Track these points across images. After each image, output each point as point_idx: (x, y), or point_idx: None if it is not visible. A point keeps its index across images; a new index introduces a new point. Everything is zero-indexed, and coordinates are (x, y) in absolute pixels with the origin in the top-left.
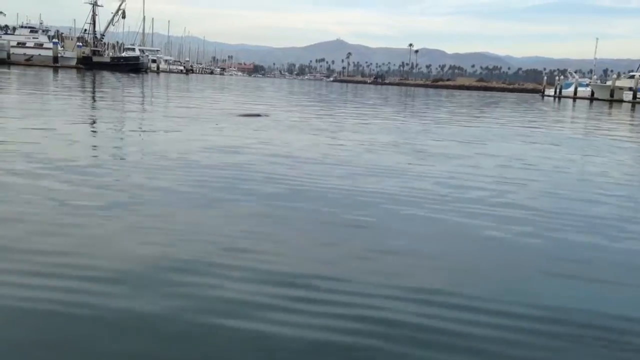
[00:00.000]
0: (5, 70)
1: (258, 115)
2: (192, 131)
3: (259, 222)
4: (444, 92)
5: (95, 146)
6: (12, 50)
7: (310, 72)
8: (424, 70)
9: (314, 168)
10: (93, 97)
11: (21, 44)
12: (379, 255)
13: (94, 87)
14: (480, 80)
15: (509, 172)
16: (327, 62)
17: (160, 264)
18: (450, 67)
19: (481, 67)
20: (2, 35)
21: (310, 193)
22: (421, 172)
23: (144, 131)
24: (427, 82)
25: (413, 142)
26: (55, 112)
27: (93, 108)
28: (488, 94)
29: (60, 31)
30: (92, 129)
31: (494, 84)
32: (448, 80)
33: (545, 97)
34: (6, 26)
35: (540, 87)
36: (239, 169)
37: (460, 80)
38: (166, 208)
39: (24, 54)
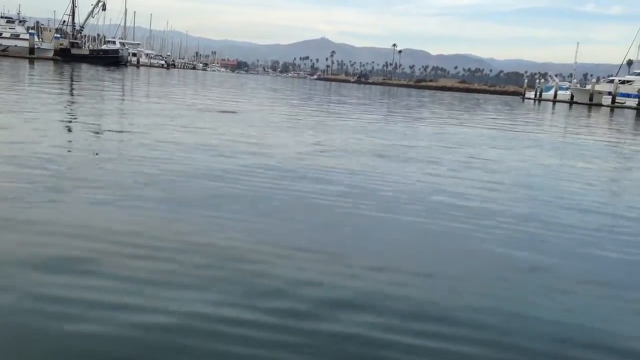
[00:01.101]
0: None
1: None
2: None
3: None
4: (426, 92)
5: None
6: None
7: (294, 70)
8: (408, 70)
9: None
10: (60, 90)
11: None
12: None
13: (61, 80)
14: (463, 81)
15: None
16: (311, 60)
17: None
18: (434, 68)
19: (464, 69)
20: None
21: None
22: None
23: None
24: (410, 83)
25: (391, 144)
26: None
27: (54, 102)
28: (469, 95)
29: (41, 23)
30: (44, 125)
31: (476, 86)
32: (430, 81)
33: (526, 100)
34: None
35: (521, 90)
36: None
37: (442, 82)
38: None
39: (0, 45)
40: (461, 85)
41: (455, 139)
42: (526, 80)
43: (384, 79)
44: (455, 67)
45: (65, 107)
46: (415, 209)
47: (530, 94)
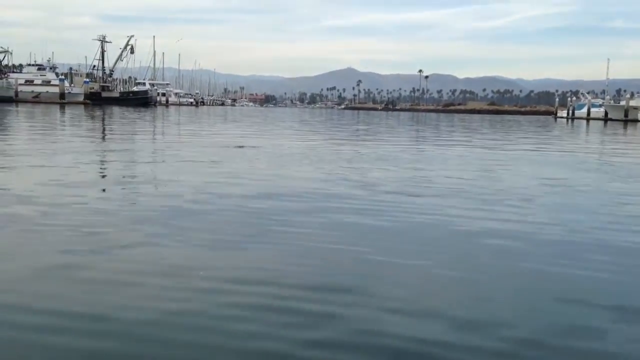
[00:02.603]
0: (11, 108)
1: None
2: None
3: None
4: (456, 116)
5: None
6: (20, 88)
7: (321, 101)
8: (435, 95)
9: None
10: (91, 133)
11: (29, 82)
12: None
13: (90, 122)
14: (492, 103)
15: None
16: (338, 90)
17: None
18: (462, 92)
19: (492, 91)
20: (10, 74)
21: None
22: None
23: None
24: (438, 107)
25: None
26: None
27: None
28: (500, 117)
29: (74, 69)
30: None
31: (506, 107)
32: (459, 104)
33: (558, 119)
34: (14, 65)
35: (553, 109)
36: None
37: (471, 105)
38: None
39: (32, 92)
40: (491, 108)
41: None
42: (557, 99)
43: (412, 105)
44: (484, 90)
45: (92, 151)
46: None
47: (563, 113)
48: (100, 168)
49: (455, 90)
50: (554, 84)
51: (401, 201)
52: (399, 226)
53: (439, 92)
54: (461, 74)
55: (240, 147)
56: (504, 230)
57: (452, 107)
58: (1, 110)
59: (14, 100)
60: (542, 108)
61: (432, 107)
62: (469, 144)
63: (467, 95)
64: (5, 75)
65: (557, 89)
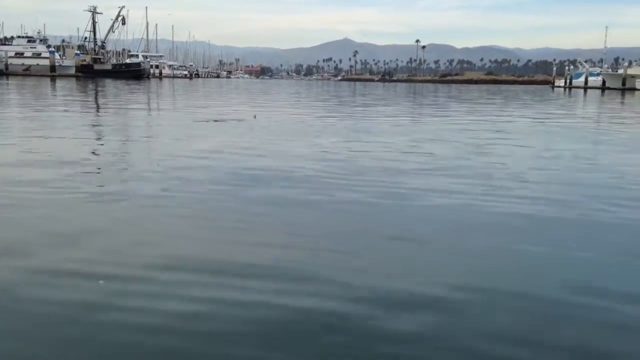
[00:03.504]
0: (2, 81)
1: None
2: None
3: None
4: (453, 87)
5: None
6: (10, 61)
7: (317, 72)
8: (433, 66)
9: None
10: (83, 105)
11: (19, 54)
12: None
13: (81, 95)
14: (489, 73)
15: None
16: (334, 62)
17: None
18: (459, 62)
19: (490, 61)
20: (0, 47)
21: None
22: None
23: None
24: (435, 78)
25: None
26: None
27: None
28: (497, 87)
29: (66, 41)
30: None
31: (504, 77)
32: (456, 75)
33: (556, 88)
34: (5, 37)
35: (550, 79)
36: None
37: (468, 75)
38: None
39: (22, 64)
40: (488, 78)
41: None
42: (555, 68)
43: (409, 76)
44: (481, 60)
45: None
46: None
47: (560, 82)
48: (91, 144)
49: (452, 61)
50: (552, 53)
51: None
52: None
53: (436, 62)
54: (459, 44)
55: (217, 121)
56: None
57: (449, 78)
58: None
59: (4, 73)
60: (540, 77)
61: (429, 78)
62: (467, 118)
63: (465, 65)
64: None
65: (554, 58)
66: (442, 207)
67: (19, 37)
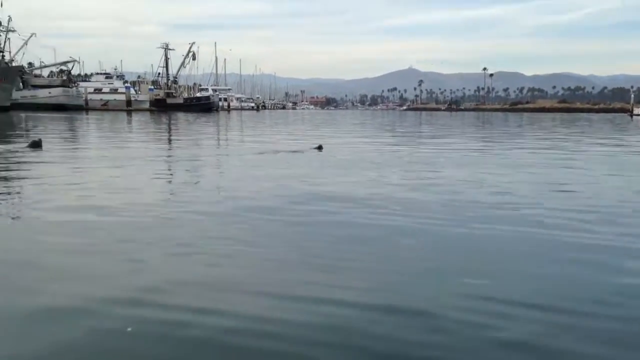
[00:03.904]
0: (82, 116)
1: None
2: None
3: None
4: (524, 115)
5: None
6: (89, 97)
7: (382, 102)
8: (501, 94)
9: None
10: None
11: (98, 90)
12: None
13: (155, 128)
14: (563, 101)
15: None
16: (399, 91)
17: None
18: (530, 90)
19: (563, 88)
20: (80, 83)
21: None
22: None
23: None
24: (505, 106)
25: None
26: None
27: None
28: (571, 115)
29: (141, 77)
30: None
31: (578, 105)
32: (527, 103)
33: (635, 117)
34: (86, 74)
35: (628, 107)
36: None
37: (540, 103)
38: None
39: (101, 99)
40: (561, 106)
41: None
42: (633, 96)
43: (477, 105)
44: (554, 87)
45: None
46: None
47: (639, 110)
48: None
49: (522, 88)
50: (629, 80)
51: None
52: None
53: (505, 90)
54: (529, 72)
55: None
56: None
57: (519, 106)
58: (73, 118)
59: (84, 108)
60: (617, 105)
61: (498, 106)
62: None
63: (536, 93)
64: (76, 84)
65: (632, 85)
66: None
67: (97, 73)
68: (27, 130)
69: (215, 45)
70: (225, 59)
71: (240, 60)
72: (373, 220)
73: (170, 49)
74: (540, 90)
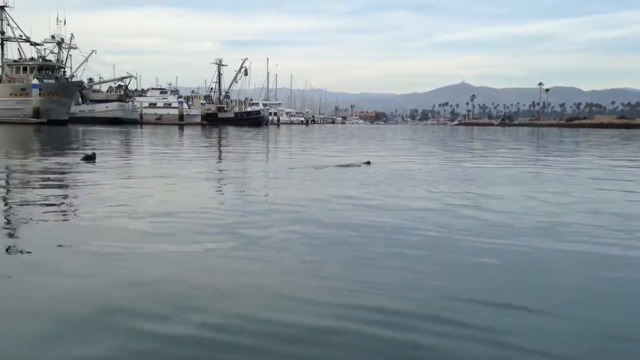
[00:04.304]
0: (137, 129)
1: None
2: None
3: None
4: (581, 131)
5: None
6: (144, 111)
7: (433, 117)
8: (557, 109)
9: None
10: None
11: (152, 105)
12: None
13: (204, 141)
14: (622, 117)
15: None
16: (450, 106)
17: None
18: (587, 105)
19: (622, 104)
20: (136, 98)
21: None
22: None
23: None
24: (561, 122)
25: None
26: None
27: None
28: (631, 131)
29: (195, 92)
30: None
31: (638, 121)
32: (584, 118)
33: None
34: (143, 90)
35: None
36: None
37: (598, 119)
38: None
39: (155, 114)
40: (620, 122)
41: None
42: None
43: (531, 120)
44: (612, 103)
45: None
46: None
47: None
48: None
49: (579, 104)
50: None
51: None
52: None
53: (562, 105)
54: (586, 87)
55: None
56: None
57: (576, 122)
58: (128, 131)
59: (139, 122)
60: None
61: (553, 122)
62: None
63: (594, 108)
64: (132, 99)
65: None
66: None
67: (152, 89)
68: (84, 144)
69: (267, 61)
70: (276, 74)
71: (291, 75)
72: (433, 238)
73: (223, 65)
74: (598, 105)
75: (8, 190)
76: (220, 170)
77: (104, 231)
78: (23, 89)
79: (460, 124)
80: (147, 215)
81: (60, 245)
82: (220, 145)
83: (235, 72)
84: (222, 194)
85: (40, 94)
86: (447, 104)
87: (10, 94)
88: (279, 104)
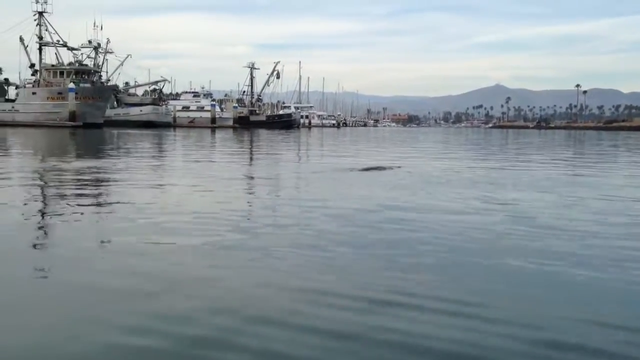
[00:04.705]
0: (170, 132)
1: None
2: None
3: None
4: (620, 134)
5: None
6: (177, 114)
7: (467, 120)
8: (596, 111)
9: None
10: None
11: (185, 108)
12: None
13: (235, 143)
14: None
15: None
16: (485, 109)
17: None
18: (627, 107)
19: None
20: (170, 101)
21: None
22: None
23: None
24: (599, 124)
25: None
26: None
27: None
28: None
29: (228, 95)
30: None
31: None
32: (623, 121)
33: None
34: (177, 93)
35: None
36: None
37: (637, 121)
38: None
39: (188, 117)
40: None
41: None
42: None
43: (568, 123)
44: None
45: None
46: None
47: None
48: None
49: (619, 106)
50: None
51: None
52: None
53: (600, 108)
54: (626, 89)
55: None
56: None
57: (615, 124)
58: (161, 134)
59: (172, 125)
60: None
61: (591, 125)
62: None
63: (634, 110)
64: (165, 103)
65: None
66: None
67: (185, 92)
68: (118, 147)
69: (300, 65)
70: (308, 77)
71: (323, 78)
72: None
73: (255, 68)
74: (638, 108)
75: (45, 190)
76: (249, 173)
77: (138, 229)
78: (60, 93)
79: (494, 126)
80: (179, 215)
81: (98, 242)
82: (251, 148)
83: (268, 76)
84: (253, 195)
85: (76, 98)
86: (481, 106)
87: (48, 98)
88: (311, 107)
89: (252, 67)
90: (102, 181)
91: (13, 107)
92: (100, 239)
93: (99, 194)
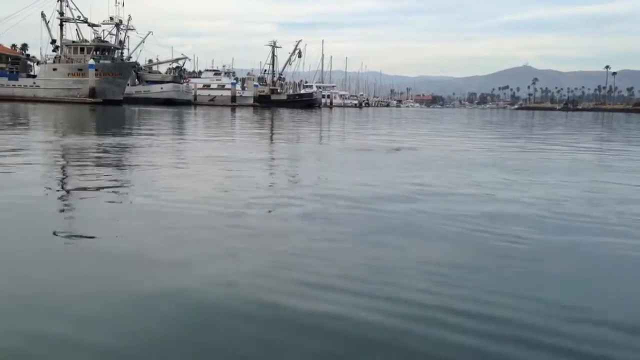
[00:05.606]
0: (190, 110)
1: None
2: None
3: None
4: None
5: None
6: (198, 92)
7: (492, 101)
8: (625, 93)
9: None
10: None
11: (206, 86)
12: None
13: (254, 121)
14: None
15: None
16: (511, 90)
17: None
18: None
19: None
20: (191, 79)
21: None
22: None
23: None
24: (628, 106)
25: None
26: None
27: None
28: None
29: (251, 73)
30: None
31: None
32: None
33: None
34: (200, 71)
35: None
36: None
37: None
38: None
39: (208, 95)
40: None
41: None
42: None
43: (596, 104)
44: None
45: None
46: None
47: None
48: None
49: None
50: None
51: None
52: None
53: (630, 90)
54: None
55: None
56: None
57: None
58: (180, 112)
59: (192, 103)
60: None
61: (620, 107)
62: None
63: None
64: (186, 81)
65: None
66: None
67: (207, 70)
68: (139, 125)
69: (323, 43)
70: (331, 57)
71: (346, 57)
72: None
73: (277, 47)
74: None
75: (65, 168)
76: (267, 152)
77: (159, 212)
78: (80, 69)
79: (520, 108)
80: (200, 196)
81: (116, 222)
82: (272, 127)
83: (289, 54)
84: (273, 175)
85: (96, 75)
86: (507, 87)
87: (68, 74)
88: (333, 86)
89: (273, 46)
90: (122, 160)
91: (34, 82)
92: (117, 220)
93: (120, 173)
